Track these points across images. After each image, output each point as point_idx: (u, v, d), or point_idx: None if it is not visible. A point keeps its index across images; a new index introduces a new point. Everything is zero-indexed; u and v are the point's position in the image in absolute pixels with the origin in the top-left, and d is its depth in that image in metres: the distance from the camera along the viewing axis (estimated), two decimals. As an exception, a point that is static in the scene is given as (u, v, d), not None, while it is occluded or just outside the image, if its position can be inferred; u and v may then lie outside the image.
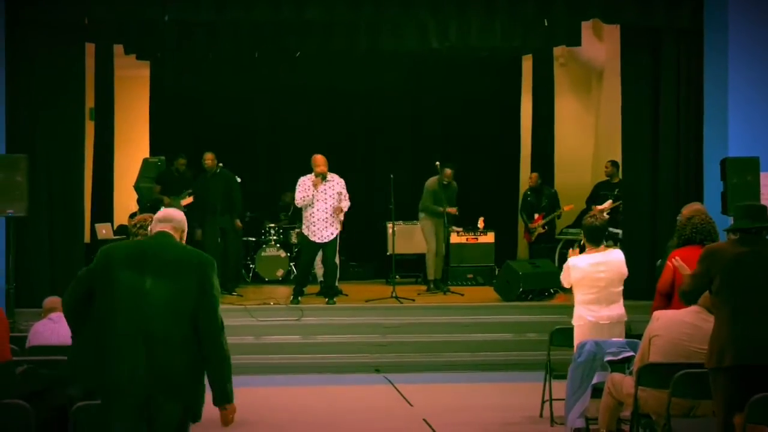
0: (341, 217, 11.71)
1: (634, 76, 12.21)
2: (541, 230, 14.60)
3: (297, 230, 13.99)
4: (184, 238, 5.07)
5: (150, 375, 4.67)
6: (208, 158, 12.78)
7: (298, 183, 11.84)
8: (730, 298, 5.73)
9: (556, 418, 8.01)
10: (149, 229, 5.12)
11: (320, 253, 12.07)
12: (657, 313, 6.45)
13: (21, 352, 7.10)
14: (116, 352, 4.68)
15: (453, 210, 13.00)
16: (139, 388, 4.68)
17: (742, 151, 10.83)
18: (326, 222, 11.69)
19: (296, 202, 11.99)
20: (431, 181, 13.10)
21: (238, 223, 13.09)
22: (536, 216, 14.70)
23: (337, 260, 12.12)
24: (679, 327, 6.27)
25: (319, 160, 11.75)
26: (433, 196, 13.03)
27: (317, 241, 11.72)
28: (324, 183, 11.70)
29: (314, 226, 11.69)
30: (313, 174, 11.75)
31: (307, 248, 11.97)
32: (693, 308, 6.30)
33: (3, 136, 11.12)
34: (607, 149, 14.94)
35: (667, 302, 7.15)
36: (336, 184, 11.76)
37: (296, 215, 13.71)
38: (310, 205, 11.70)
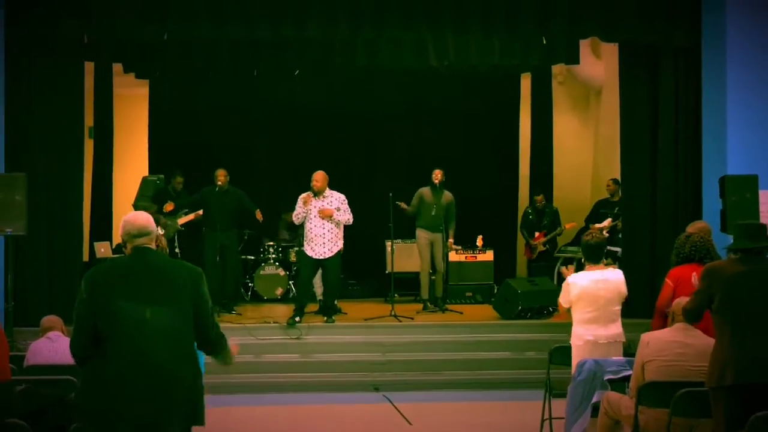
0: (336, 217, 11.56)
1: (632, 94, 12.20)
2: (542, 248, 14.60)
3: (296, 249, 13.98)
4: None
5: (158, 405, 4.67)
6: (221, 174, 12.71)
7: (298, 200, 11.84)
8: (730, 316, 5.73)
9: (556, 437, 8.01)
10: (123, 237, 4.93)
11: (320, 271, 12.05)
12: (645, 337, 6.42)
13: (19, 372, 7.08)
14: (122, 384, 4.65)
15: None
16: (147, 417, 4.67)
17: (741, 168, 10.82)
18: (323, 238, 11.64)
19: (293, 218, 12.02)
20: (423, 189, 12.93)
21: (259, 214, 12.93)
22: (537, 234, 14.69)
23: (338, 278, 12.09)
24: (671, 348, 6.27)
25: (315, 176, 11.72)
26: (420, 201, 12.79)
27: (314, 256, 11.69)
28: (317, 199, 11.66)
29: (312, 242, 11.66)
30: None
31: (305, 264, 11.92)
32: (679, 326, 6.31)
33: (2, 154, 11.12)
34: (606, 167, 14.94)
35: (665, 320, 7.16)
36: (335, 200, 11.71)
37: (297, 233, 13.70)
38: (307, 221, 11.68)
